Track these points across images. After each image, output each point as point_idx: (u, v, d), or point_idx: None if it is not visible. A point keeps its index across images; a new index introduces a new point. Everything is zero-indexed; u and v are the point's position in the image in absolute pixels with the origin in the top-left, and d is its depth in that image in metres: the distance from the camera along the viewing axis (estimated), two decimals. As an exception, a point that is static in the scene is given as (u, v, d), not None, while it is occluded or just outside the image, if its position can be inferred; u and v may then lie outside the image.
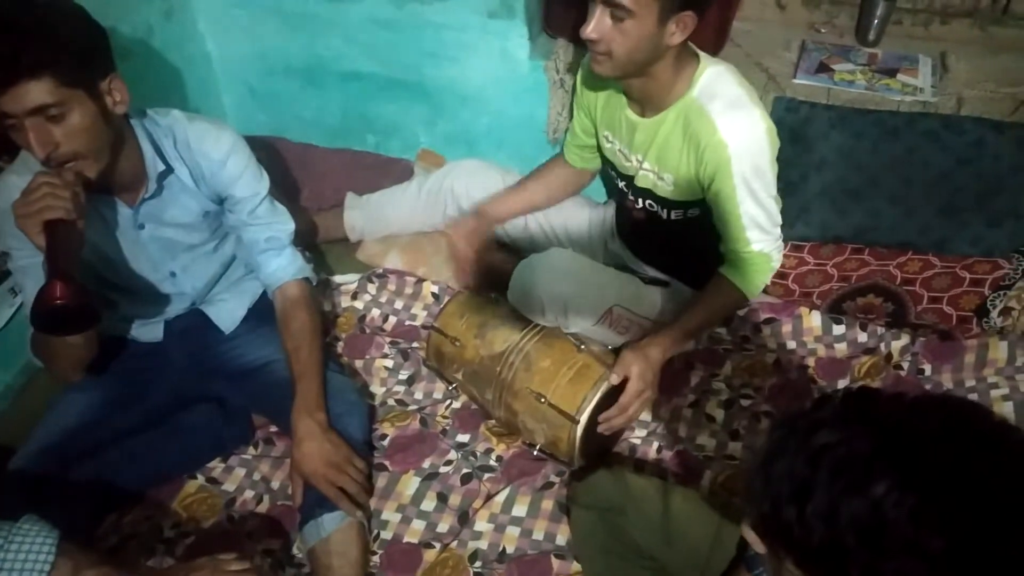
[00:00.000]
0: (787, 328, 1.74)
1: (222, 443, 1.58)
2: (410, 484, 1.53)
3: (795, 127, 1.64)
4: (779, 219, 1.46)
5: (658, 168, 1.47)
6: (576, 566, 1.37)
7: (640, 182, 1.52)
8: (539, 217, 1.80)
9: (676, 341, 1.45)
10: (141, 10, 1.83)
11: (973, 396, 1.50)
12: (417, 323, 1.86)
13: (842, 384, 1.63)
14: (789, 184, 1.66)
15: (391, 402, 1.70)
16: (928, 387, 1.55)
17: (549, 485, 1.51)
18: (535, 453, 1.53)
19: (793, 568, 0.70)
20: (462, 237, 1.70)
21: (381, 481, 1.54)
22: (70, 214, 1.13)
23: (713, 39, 1.67)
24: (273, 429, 1.62)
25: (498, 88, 1.92)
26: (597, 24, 1.28)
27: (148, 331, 1.54)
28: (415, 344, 1.80)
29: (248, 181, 1.44)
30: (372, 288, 1.93)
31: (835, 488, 0.65)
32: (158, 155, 1.34)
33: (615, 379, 1.40)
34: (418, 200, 1.94)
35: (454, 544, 1.44)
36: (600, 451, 1.52)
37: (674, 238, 1.59)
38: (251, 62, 2.09)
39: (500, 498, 1.49)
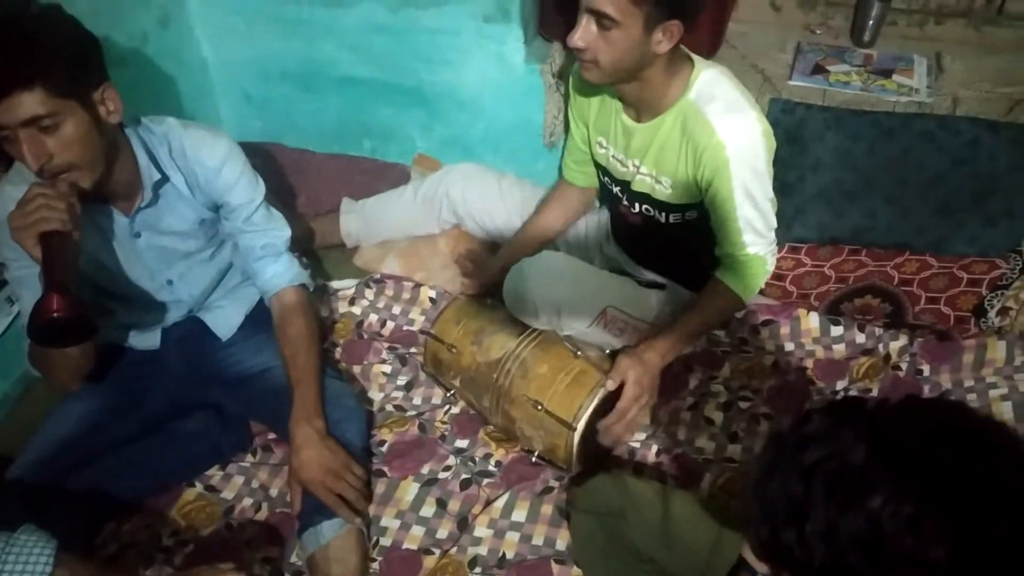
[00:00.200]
0: (785, 330, 1.73)
1: (220, 450, 1.58)
2: (409, 490, 1.53)
3: (791, 129, 1.64)
4: (775, 223, 1.46)
5: (656, 172, 1.47)
6: (576, 571, 1.36)
7: (637, 187, 1.52)
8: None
9: (673, 345, 1.45)
10: (136, 17, 1.82)
11: (972, 396, 1.50)
12: (415, 328, 1.86)
13: (840, 385, 1.62)
14: (785, 185, 1.66)
15: (389, 408, 1.69)
16: (926, 387, 1.54)
17: (548, 490, 1.50)
18: (533, 459, 1.52)
19: None
20: (483, 284, 1.71)
21: (380, 487, 1.53)
22: (66, 225, 1.13)
23: (708, 41, 1.68)
24: (271, 436, 1.62)
25: (494, 92, 1.91)
26: (583, 33, 1.28)
27: (145, 339, 1.54)
28: (413, 349, 1.80)
29: (243, 188, 1.44)
30: (369, 293, 1.93)
31: (831, 505, 0.64)
32: (153, 164, 1.34)
33: (611, 385, 1.40)
34: (414, 205, 1.93)
35: (454, 550, 1.43)
36: (598, 456, 1.51)
37: (671, 242, 1.59)
38: (247, 68, 2.09)
39: (499, 503, 1.49)
